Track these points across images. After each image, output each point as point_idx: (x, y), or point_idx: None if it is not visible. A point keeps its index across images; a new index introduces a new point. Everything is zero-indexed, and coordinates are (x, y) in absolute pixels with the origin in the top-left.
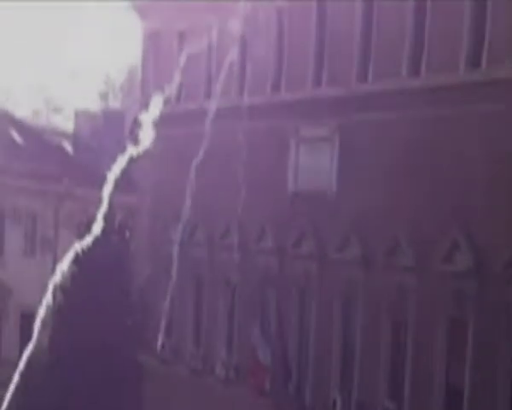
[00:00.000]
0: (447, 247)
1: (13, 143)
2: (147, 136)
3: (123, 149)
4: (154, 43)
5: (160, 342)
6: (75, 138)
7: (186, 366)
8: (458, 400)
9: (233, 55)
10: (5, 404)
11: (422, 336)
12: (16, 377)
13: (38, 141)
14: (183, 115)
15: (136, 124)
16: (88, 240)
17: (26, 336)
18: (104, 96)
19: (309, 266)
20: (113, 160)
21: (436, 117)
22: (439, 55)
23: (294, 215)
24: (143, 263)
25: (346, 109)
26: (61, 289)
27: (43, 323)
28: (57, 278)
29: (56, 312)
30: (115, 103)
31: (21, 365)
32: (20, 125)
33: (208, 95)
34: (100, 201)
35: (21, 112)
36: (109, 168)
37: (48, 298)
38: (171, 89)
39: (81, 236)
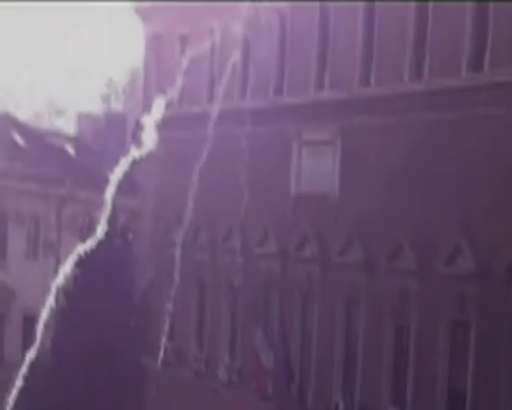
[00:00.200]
0: (449, 250)
1: (15, 146)
2: (149, 139)
3: (125, 152)
4: (156, 46)
5: (162, 345)
6: (77, 141)
7: (189, 368)
8: (461, 403)
9: (235, 58)
10: (8, 406)
11: (425, 339)
12: (19, 380)
13: (41, 144)
14: (186, 118)
15: (139, 127)
16: (90, 243)
17: (28, 339)
18: (106, 99)
19: (311, 270)
20: (116, 162)
21: (438, 121)
22: (441, 59)
23: (297, 219)
24: (146, 266)
25: (348, 113)
26: (63, 291)
27: (46, 325)
28: (60, 280)
29: (59, 314)
30: (117, 106)
31: (24, 367)
32: (22, 128)
33: (210, 98)
34: (102, 203)
35: (23, 114)
36: (112, 171)
37: (50, 301)
38: (174, 92)
39: (83, 238)
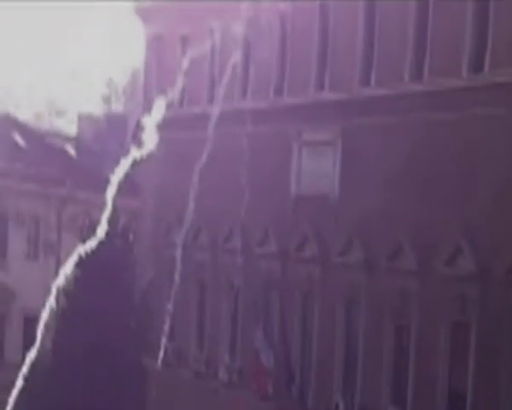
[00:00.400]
0: (450, 251)
1: (15, 147)
2: (150, 139)
3: (126, 153)
4: (156, 47)
5: (162, 345)
6: (78, 142)
7: (189, 369)
8: (461, 403)
9: (236, 59)
10: (9, 406)
11: (425, 339)
12: (20, 381)
13: (41, 144)
14: (186, 119)
15: (139, 127)
16: (91, 243)
17: (29, 340)
18: (107, 100)
19: (312, 270)
20: (116, 163)
21: (438, 121)
22: (441, 60)
23: (297, 219)
24: (147, 266)
25: (348, 113)
26: (64, 292)
27: (47, 326)
28: (60, 281)
29: (59, 315)
30: (118, 107)
31: (25, 368)
32: (22, 129)
33: (211, 99)
34: (103, 204)
35: (23, 114)
36: (112, 172)
37: (51, 301)
38: (174, 92)
39: (84, 239)
